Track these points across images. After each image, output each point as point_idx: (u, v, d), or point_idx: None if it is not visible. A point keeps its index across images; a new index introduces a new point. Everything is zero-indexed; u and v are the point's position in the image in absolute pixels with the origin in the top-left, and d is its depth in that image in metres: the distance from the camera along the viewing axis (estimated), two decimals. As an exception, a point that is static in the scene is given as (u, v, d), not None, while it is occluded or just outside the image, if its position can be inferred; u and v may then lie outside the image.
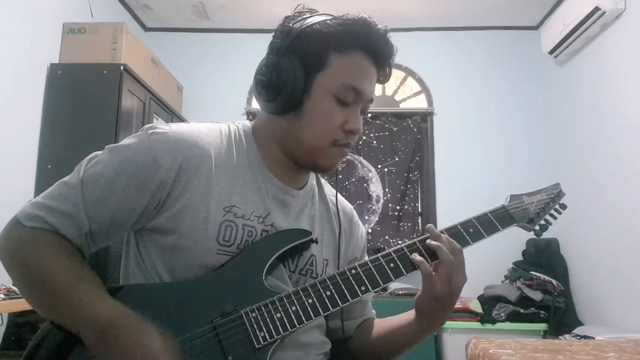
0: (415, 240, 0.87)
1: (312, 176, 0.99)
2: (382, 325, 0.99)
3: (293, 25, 0.85)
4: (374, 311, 1.06)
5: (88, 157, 0.82)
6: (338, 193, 1.01)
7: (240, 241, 0.82)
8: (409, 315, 0.92)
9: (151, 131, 0.82)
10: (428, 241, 0.85)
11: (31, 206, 0.78)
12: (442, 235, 0.86)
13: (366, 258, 0.87)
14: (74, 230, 0.77)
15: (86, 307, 0.71)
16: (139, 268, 0.84)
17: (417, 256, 0.84)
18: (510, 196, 0.97)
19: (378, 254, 0.86)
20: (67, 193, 0.78)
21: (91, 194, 0.78)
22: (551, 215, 0.98)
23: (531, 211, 0.95)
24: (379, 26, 0.86)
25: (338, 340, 0.97)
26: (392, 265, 0.84)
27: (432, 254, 0.85)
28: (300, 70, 0.83)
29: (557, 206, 0.99)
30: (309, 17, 0.86)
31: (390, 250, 0.86)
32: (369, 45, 0.85)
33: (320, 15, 0.87)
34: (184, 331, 0.73)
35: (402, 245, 0.86)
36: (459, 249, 0.84)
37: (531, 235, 0.97)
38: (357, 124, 0.86)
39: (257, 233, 0.83)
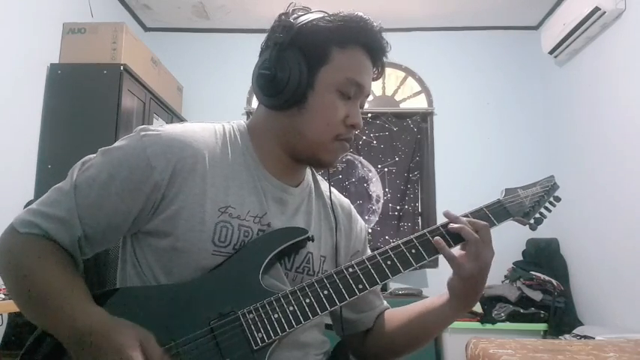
0: (419, 233, 0.87)
1: (308, 173, 0.99)
2: (407, 311, 0.99)
3: (293, 20, 0.85)
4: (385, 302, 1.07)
5: (80, 161, 0.82)
6: (333, 188, 1.00)
7: (236, 242, 0.81)
8: (440, 298, 0.93)
9: (143, 133, 0.81)
10: (450, 225, 0.87)
11: (25, 213, 0.78)
12: (461, 218, 0.87)
13: (368, 253, 0.87)
14: (67, 235, 0.77)
15: (66, 316, 0.70)
16: (136, 270, 0.83)
17: (439, 241, 0.85)
18: (505, 189, 0.97)
19: (375, 252, 0.86)
20: (61, 199, 0.78)
21: (85, 199, 0.77)
22: (546, 208, 0.98)
23: (526, 205, 0.95)
24: (375, 23, 0.87)
25: (355, 333, 0.99)
26: (389, 262, 0.84)
27: (454, 238, 0.86)
28: (304, 65, 0.83)
29: (551, 199, 0.99)
30: (305, 14, 0.87)
31: (387, 247, 0.86)
32: (368, 41, 0.86)
33: (314, 12, 0.88)
34: (181, 334, 0.73)
35: (399, 242, 0.86)
36: (482, 225, 0.86)
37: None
38: (358, 118, 0.87)
39: (253, 233, 0.83)
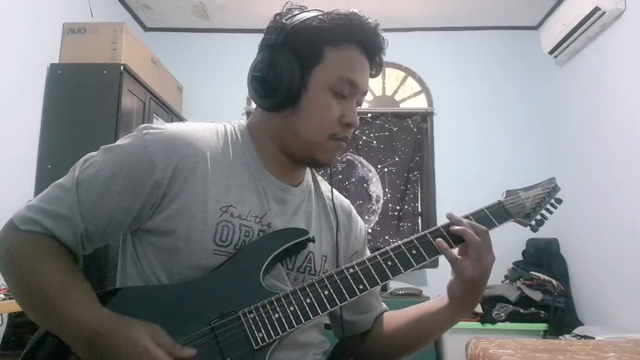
0: (420, 234, 0.87)
1: (308, 173, 1.00)
2: (405, 314, 0.99)
3: (286, 21, 0.85)
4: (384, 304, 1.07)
5: (82, 159, 0.82)
6: (333, 189, 1.01)
7: (237, 242, 0.81)
8: (439, 301, 0.93)
9: (145, 131, 0.81)
10: (452, 227, 0.86)
11: (26, 209, 0.77)
12: (463, 220, 0.87)
13: (367, 253, 0.87)
14: (69, 232, 0.77)
15: (70, 317, 0.70)
16: (136, 269, 0.83)
17: (442, 243, 0.85)
18: (506, 191, 0.97)
19: (376, 252, 0.86)
20: (63, 196, 0.77)
21: (87, 196, 0.77)
22: (547, 210, 0.98)
23: (527, 206, 0.95)
24: (370, 20, 0.87)
25: (354, 335, 0.99)
26: (389, 262, 0.84)
27: (455, 239, 0.86)
28: (296, 65, 0.83)
29: (552, 201, 0.99)
30: (300, 13, 0.86)
31: (388, 248, 0.86)
32: (362, 38, 0.86)
33: (309, 11, 0.87)
34: (182, 333, 0.73)
35: (400, 243, 0.86)
36: (483, 230, 0.85)
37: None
38: (353, 116, 0.87)
39: (254, 233, 0.83)
